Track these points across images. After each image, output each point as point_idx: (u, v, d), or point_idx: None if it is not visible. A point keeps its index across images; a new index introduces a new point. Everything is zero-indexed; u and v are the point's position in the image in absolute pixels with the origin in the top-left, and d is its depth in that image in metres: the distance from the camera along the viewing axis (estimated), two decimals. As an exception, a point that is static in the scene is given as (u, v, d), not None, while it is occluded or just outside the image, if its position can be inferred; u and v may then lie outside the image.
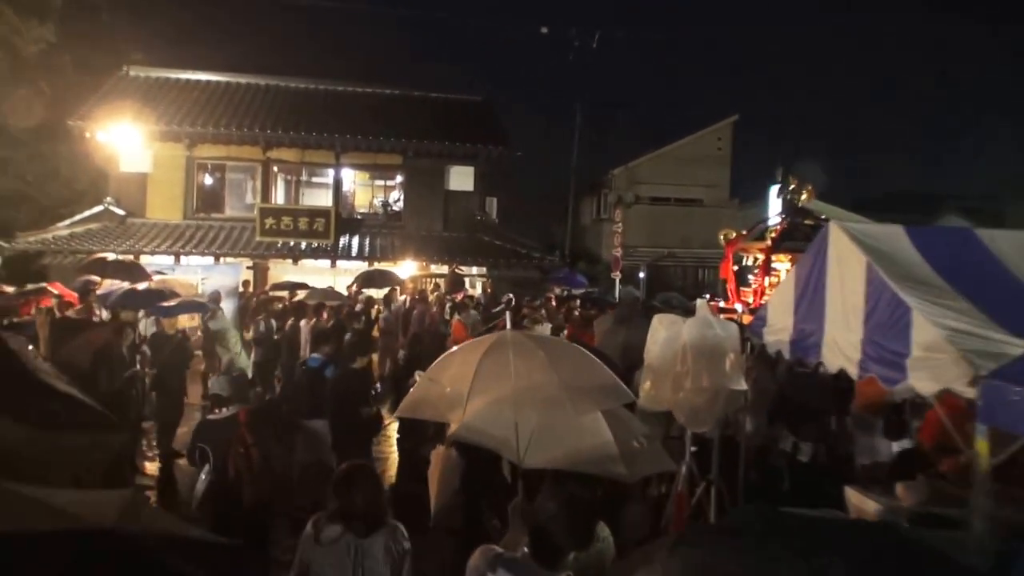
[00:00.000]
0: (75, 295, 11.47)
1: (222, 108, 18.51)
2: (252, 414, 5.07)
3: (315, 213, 18.06)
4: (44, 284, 11.21)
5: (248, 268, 17.40)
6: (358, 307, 13.42)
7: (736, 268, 12.54)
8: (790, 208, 12.19)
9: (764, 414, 6.74)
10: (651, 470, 4.44)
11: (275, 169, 19.31)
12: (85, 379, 5.16)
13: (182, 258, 16.49)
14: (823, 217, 10.38)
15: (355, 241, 18.23)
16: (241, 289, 16.08)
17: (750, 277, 12.21)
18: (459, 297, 14.98)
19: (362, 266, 17.84)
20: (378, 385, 8.36)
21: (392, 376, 11.89)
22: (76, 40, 19.07)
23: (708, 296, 11.87)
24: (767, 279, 11.13)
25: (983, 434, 3.34)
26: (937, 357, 3.52)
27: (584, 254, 29.35)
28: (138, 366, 7.92)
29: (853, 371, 4.31)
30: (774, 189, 20.46)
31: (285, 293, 14.67)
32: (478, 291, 19.19)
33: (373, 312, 13.70)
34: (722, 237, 12.69)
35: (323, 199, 19.85)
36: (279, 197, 19.67)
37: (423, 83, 21.99)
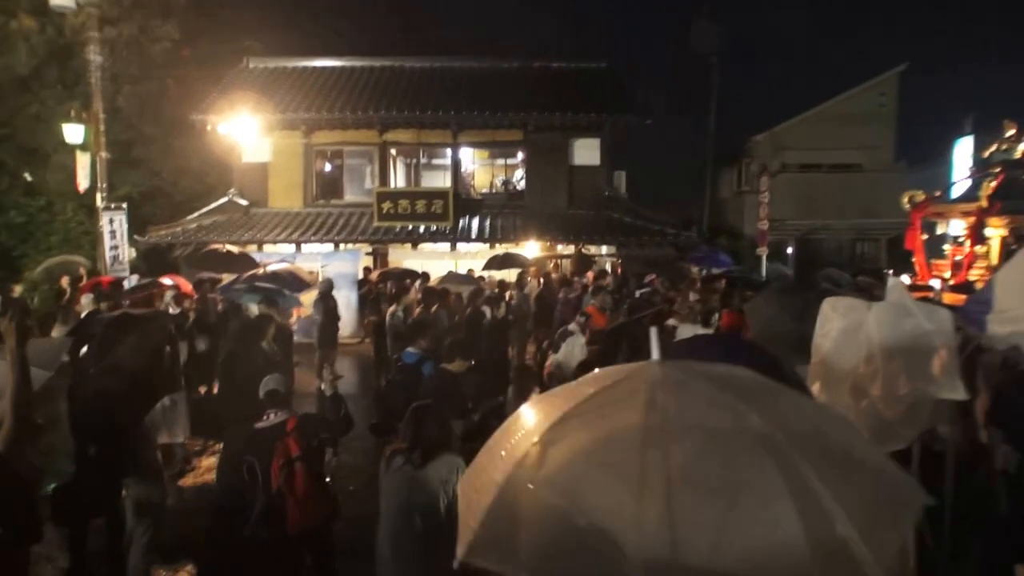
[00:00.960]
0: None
1: (336, 93, 18.10)
2: (303, 421, 4.07)
3: (433, 195, 17.23)
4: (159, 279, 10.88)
5: (367, 254, 16.88)
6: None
7: (925, 237, 10.17)
8: (1006, 163, 9.65)
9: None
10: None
11: (392, 152, 18.71)
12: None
13: (303, 246, 16.17)
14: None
15: (475, 223, 17.22)
16: (361, 276, 15.58)
17: (944, 247, 9.84)
18: (592, 278, 13.48)
19: (483, 248, 16.83)
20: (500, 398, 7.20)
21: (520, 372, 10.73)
22: (198, 35, 19.34)
23: (891, 272, 9.73)
24: (976, 248, 8.81)
25: None
26: None
27: (724, 230, 26.87)
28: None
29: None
30: (961, 144, 17.38)
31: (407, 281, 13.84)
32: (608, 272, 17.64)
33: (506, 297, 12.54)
34: (906, 201, 10.41)
35: (442, 181, 19.04)
36: (398, 181, 19.07)
37: (542, 53, 20.61)
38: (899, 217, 25.44)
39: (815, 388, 3.98)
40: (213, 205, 17.32)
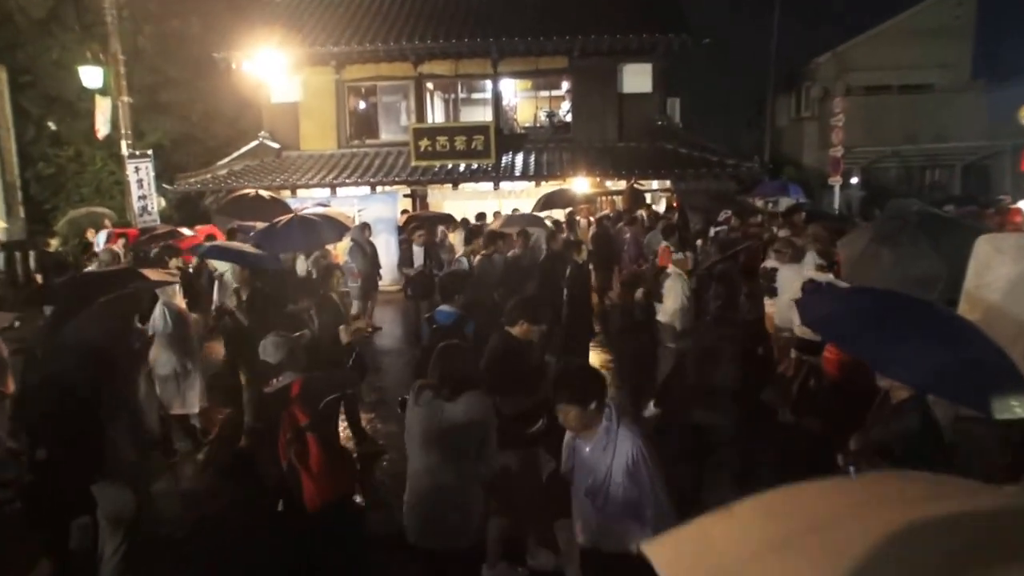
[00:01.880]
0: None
1: (367, 23, 16.91)
2: (308, 383, 3.45)
3: (473, 130, 16.09)
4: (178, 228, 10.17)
5: (406, 196, 15.96)
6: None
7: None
8: None
9: None
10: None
11: (429, 87, 17.56)
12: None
13: (338, 190, 15.33)
14: None
15: (519, 159, 16.11)
16: (400, 221, 14.70)
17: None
18: (647, 214, 12.34)
19: (528, 187, 15.78)
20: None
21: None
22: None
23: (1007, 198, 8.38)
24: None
25: None
26: None
27: (783, 160, 25.12)
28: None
29: None
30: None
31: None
32: (662, 207, 16.44)
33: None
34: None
35: (483, 116, 17.85)
36: (436, 118, 17.97)
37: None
38: (976, 140, 23.77)
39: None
40: (244, 149, 16.54)
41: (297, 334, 4.18)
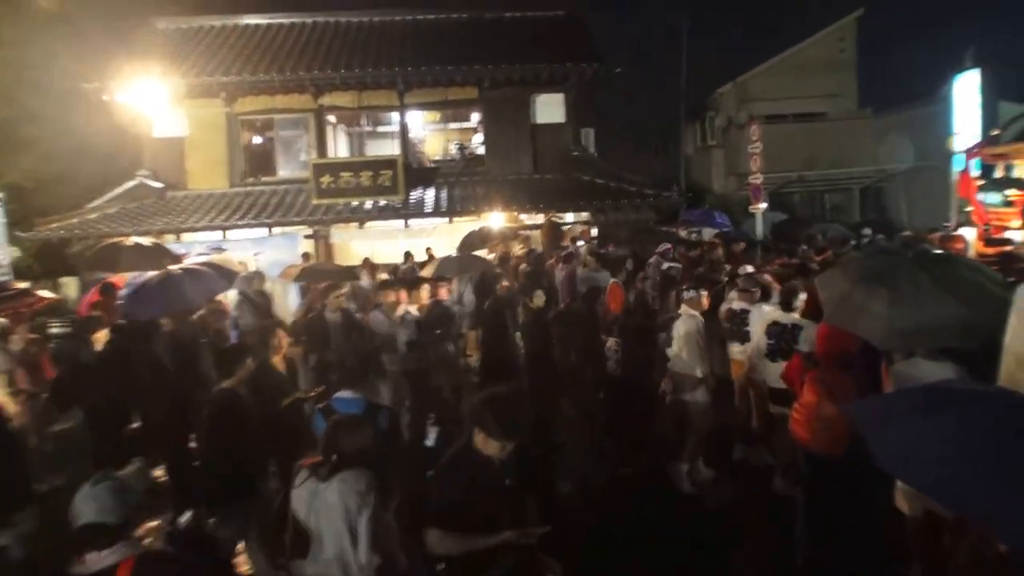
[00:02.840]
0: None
1: (261, 51, 15.67)
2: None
3: (380, 165, 15.00)
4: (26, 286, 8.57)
5: (307, 237, 14.64)
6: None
7: (982, 182, 8.63)
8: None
9: None
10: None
11: (332, 120, 16.42)
12: None
13: (230, 232, 13.85)
14: None
15: (429, 195, 15.16)
16: (289, 275, 13.35)
17: (1005, 194, 8.30)
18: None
19: (441, 223, 14.82)
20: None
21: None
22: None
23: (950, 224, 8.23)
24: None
25: None
26: None
27: (693, 188, 25.35)
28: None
29: None
30: (962, 80, 15.98)
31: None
32: (580, 243, 15.84)
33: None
34: (953, 142, 8.81)
35: (391, 150, 16.77)
36: (339, 154, 16.80)
37: (496, 4, 18.41)
38: (868, 165, 24.78)
39: None
40: (120, 189, 14.78)
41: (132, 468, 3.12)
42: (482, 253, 11.84)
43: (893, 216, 23.05)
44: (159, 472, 5.46)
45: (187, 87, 14.42)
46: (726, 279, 7.10)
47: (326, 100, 15.47)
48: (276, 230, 14.34)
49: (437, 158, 17.98)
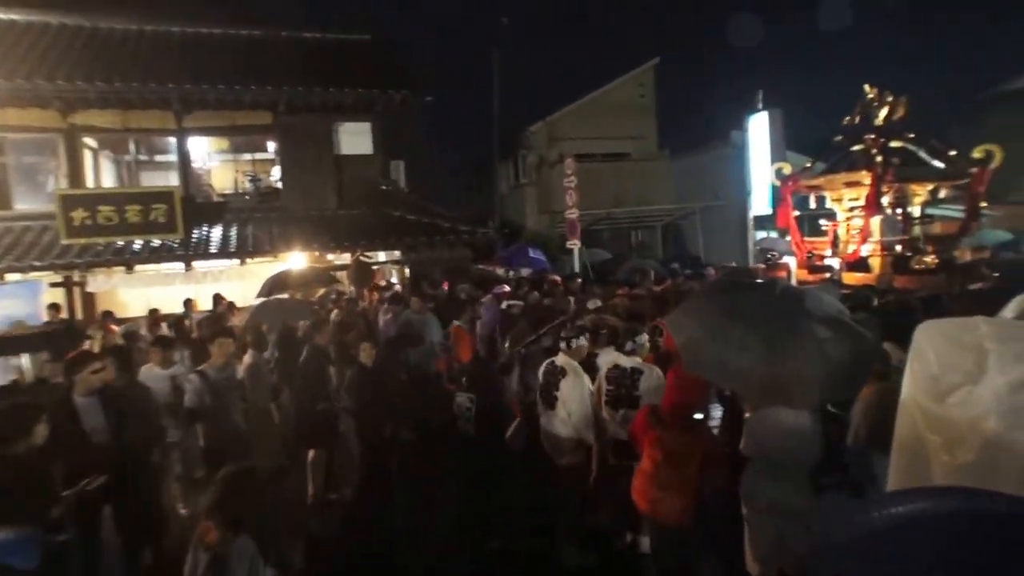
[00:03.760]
0: None
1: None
2: None
3: (151, 198, 12.64)
4: None
5: (54, 285, 11.90)
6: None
7: (797, 214, 8.62)
8: (866, 127, 8.33)
9: None
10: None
11: (91, 143, 13.77)
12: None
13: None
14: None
15: (216, 233, 13.09)
16: (47, 318, 10.75)
17: (822, 223, 8.41)
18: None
19: (232, 265, 12.80)
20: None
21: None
22: None
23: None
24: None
25: None
26: None
27: (507, 225, 25.08)
28: None
29: None
30: (755, 121, 16.92)
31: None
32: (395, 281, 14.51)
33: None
34: (774, 174, 8.76)
35: (173, 182, 14.32)
36: (107, 185, 14.13)
37: (294, 23, 16.79)
38: (669, 203, 26.12)
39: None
40: None
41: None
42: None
43: (692, 251, 24.27)
44: None
45: None
46: (573, 312, 6.34)
47: (79, 119, 12.86)
48: (11, 276, 11.49)
49: (227, 192, 15.78)
